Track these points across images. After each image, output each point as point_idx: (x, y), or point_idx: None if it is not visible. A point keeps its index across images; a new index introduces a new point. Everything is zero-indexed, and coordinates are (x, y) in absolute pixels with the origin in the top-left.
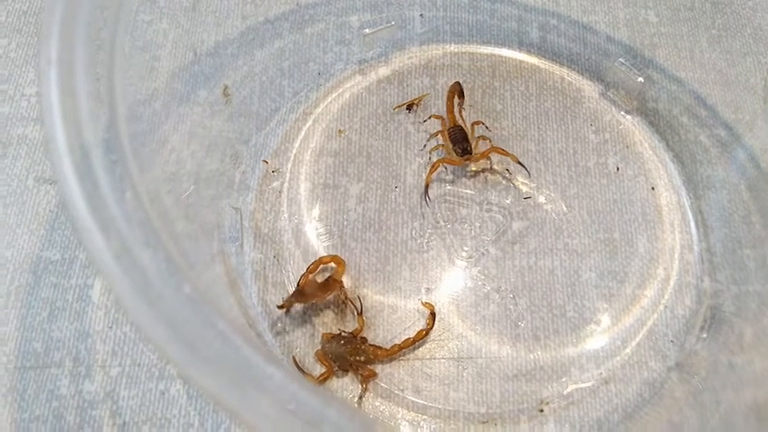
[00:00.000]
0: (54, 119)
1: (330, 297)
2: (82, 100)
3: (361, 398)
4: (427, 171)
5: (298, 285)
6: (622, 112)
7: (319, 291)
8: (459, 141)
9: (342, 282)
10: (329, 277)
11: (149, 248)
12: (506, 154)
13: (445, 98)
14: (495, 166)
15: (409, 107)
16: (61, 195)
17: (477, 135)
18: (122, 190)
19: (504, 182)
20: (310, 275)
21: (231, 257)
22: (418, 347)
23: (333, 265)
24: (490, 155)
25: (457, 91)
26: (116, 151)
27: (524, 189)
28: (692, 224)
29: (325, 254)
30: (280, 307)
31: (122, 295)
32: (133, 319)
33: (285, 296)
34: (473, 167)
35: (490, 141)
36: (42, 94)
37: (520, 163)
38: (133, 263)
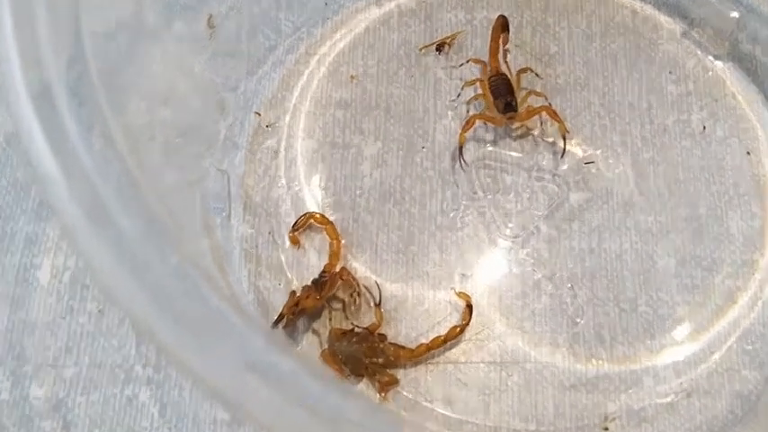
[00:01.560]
0: (9, 53)
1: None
2: (41, 32)
3: None
4: (461, 128)
5: (296, 303)
6: (710, 57)
7: (319, 295)
8: (503, 94)
9: (345, 270)
10: (323, 273)
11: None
12: (557, 119)
13: (488, 37)
14: (545, 125)
15: (439, 48)
16: (19, 142)
17: (523, 87)
18: (90, 138)
19: (559, 142)
20: (296, 232)
21: (216, 231)
22: (451, 348)
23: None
24: (540, 114)
25: (501, 27)
26: (83, 94)
27: (585, 153)
28: None
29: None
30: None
31: (97, 264)
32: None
33: (284, 282)
34: (518, 126)
35: (546, 98)
36: None
37: (564, 138)
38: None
